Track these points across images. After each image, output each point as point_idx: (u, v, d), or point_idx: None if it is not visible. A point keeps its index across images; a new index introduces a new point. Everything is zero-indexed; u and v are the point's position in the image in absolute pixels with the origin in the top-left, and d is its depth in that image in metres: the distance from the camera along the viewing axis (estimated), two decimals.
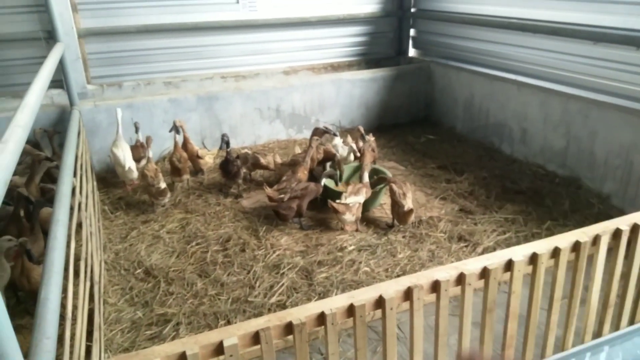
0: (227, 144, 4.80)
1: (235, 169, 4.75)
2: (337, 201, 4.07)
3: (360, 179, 4.42)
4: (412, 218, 4.12)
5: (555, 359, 2.42)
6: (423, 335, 2.13)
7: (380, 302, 1.94)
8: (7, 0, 5.13)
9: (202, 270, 3.72)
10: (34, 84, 2.76)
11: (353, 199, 4.09)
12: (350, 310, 1.90)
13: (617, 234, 2.44)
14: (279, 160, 5.08)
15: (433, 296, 2.10)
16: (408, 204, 4.07)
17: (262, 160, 5.01)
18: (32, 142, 4.86)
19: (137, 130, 5.10)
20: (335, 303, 1.88)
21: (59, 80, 5.24)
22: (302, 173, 4.54)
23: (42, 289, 2.05)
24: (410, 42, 7.54)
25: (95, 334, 2.70)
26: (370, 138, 5.28)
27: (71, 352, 2.10)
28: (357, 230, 4.18)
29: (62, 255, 2.34)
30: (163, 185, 4.47)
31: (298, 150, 5.47)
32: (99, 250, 3.70)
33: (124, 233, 4.26)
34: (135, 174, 4.92)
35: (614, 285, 2.55)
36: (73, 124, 4.43)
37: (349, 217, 4.07)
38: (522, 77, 5.54)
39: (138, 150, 5.10)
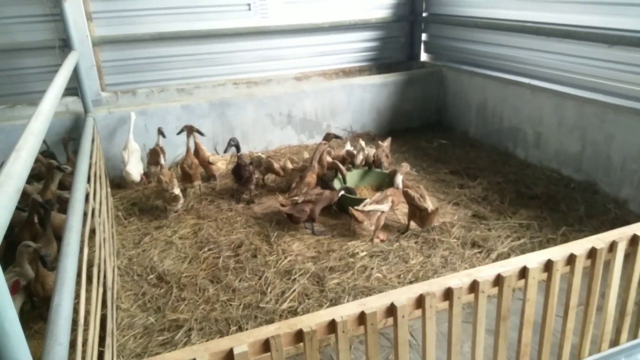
0: (237, 147, 4.80)
1: (247, 174, 4.76)
2: (356, 208, 4.03)
3: (392, 184, 4.34)
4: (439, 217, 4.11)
5: None
6: (436, 343, 2.10)
7: (391, 310, 1.92)
8: (24, 10, 5.23)
9: (214, 275, 3.73)
10: (48, 92, 2.80)
11: (374, 207, 4.04)
12: (361, 318, 1.88)
13: (634, 240, 2.39)
14: (290, 165, 5.08)
15: (446, 303, 2.07)
16: (430, 205, 4.05)
17: (275, 165, 5.01)
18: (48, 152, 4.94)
19: (163, 135, 5.14)
20: (346, 310, 1.86)
21: (74, 88, 5.32)
22: (311, 177, 4.54)
23: (55, 295, 2.06)
24: (422, 46, 7.51)
25: (108, 340, 2.71)
26: (383, 144, 5.26)
27: (83, 358, 2.11)
28: (374, 239, 4.11)
29: (75, 262, 2.36)
30: (177, 191, 4.50)
31: (307, 155, 5.49)
32: (113, 256, 3.73)
33: (137, 239, 4.29)
34: (133, 177, 5.00)
35: (631, 293, 2.49)
36: (87, 131, 4.49)
37: (368, 226, 4.03)
38: (536, 81, 5.48)
39: (155, 155, 5.14)
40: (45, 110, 2.47)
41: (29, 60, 5.44)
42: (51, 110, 2.55)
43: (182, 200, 4.60)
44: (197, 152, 5.12)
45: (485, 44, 6.22)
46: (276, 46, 6.55)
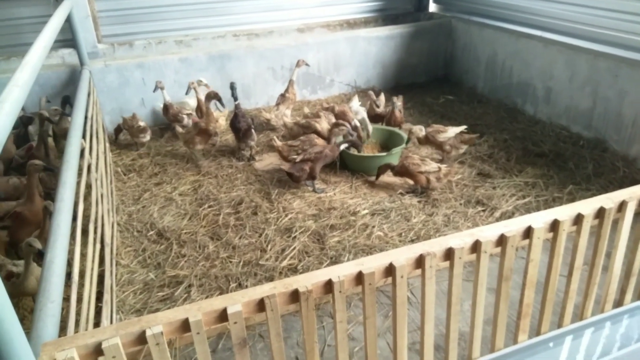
0: (233, 92, 4.64)
1: (245, 126, 4.64)
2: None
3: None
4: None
5: (574, 328, 2.34)
6: (435, 301, 2.06)
7: (390, 270, 1.87)
8: None
9: (214, 232, 3.70)
10: (36, 43, 2.67)
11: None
12: (359, 278, 1.83)
13: None
14: (290, 120, 4.96)
15: (447, 262, 2.02)
16: (433, 166, 3.98)
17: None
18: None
19: (155, 89, 5.02)
20: (343, 270, 1.81)
21: (70, 40, 5.14)
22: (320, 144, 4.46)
23: (48, 252, 2.02)
24: None
25: (106, 296, 2.71)
26: (397, 101, 5.09)
27: (78, 314, 2.09)
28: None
29: (68, 218, 2.31)
30: (142, 123, 4.91)
31: (307, 110, 5.36)
32: (112, 212, 3.69)
33: (137, 195, 4.25)
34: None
35: (638, 253, 2.43)
36: (83, 84, 4.37)
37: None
38: (548, 34, 5.25)
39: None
40: (32, 61, 2.35)
41: (23, 10, 5.23)
42: (39, 62, 2.43)
43: (149, 132, 4.97)
44: (200, 109, 4.99)
45: None
46: None
